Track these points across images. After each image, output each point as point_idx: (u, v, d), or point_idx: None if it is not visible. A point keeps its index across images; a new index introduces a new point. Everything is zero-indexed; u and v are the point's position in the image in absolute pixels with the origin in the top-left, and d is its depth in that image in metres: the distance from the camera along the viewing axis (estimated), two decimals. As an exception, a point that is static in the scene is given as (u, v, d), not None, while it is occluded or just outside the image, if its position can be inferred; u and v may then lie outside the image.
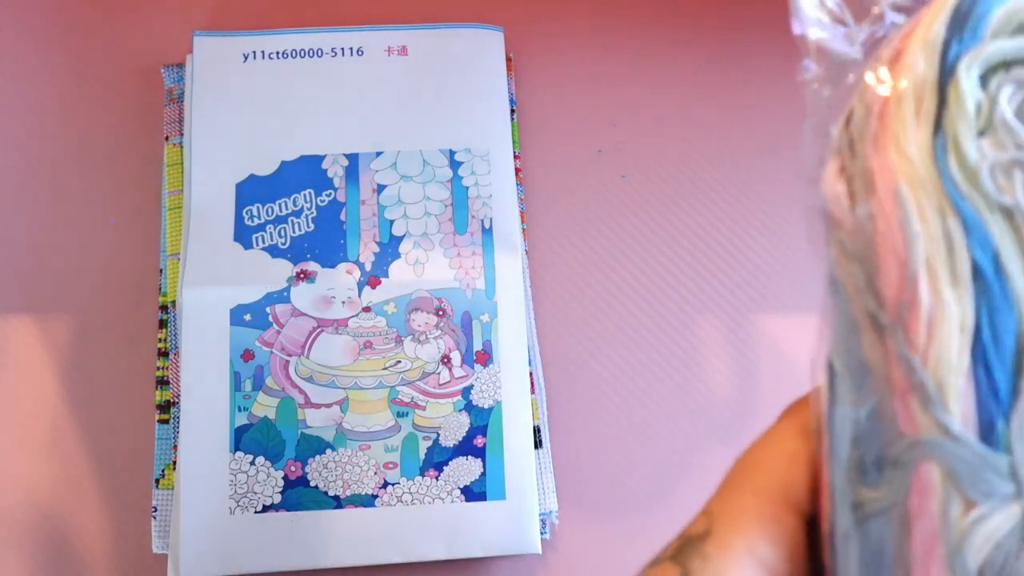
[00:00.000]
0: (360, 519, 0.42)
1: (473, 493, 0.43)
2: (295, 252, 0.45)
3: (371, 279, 0.45)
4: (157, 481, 0.43)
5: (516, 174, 0.47)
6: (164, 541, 0.42)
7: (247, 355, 0.44)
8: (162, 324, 0.45)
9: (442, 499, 0.42)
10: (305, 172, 0.46)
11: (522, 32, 0.51)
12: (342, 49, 0.48)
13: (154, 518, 0.43)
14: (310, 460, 0.43)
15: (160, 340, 0.45)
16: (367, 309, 0.45)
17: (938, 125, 0.19)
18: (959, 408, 0.18)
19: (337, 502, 0.42)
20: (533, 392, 0.45)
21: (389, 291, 0.45)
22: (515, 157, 0.48)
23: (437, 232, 0.46)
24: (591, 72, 0.51)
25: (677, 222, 0.49)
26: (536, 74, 0.51)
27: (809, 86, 0.23)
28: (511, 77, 0.49)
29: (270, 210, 0.46)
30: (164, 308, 0.45)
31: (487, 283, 0.45)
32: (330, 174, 0.46)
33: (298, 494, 0.42)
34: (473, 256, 0.45)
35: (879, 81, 0.20)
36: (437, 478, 0.43)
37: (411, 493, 0.43)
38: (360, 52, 0.48)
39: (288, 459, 0.43)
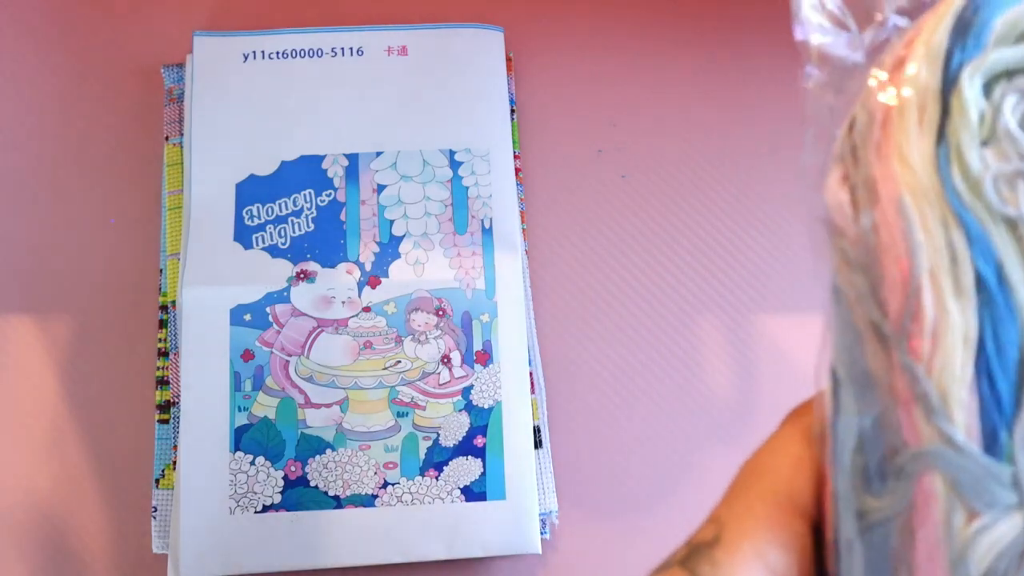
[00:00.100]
0: (360, 519, 0.42)
1: (473, 493, 0.43)
2: (295, 252, 0.45)
3: (371, 279, 0.45)
4: (157, 481, 0.43)
5: (516, 174, 0.47)
6: (164, 541, 0.42)
7: (247, 355, 0.44)
8: (162, 324, 0.45)
9: (442, 499, 0.42)
10: (305, 172, 0.46)
11: (522, 32, 0.51)
12: (342, 49, 0.48)
13: (154, 518, 0.43)
14: (310, 460, 0.43)
15: (160, 340, 0.45)
16: (367, 309, 0.45)
17: (941, 134, 0.19)
18: (962, 419, 0.18)
19: (337, 502, 0.42)
20: (533, 392, 0.45)
21: (389, 291, 0.45)
22: (515, 157, 0.48)
23: (437, 232, 0.46)
24: (591, 72, 0.51)
25: (677, 222, 0.49)
26: (536, 74, 0.51)
27: (811, 92, 0.23)
28: (511, 77, 0.49)
29: (270, 210, 0.46)
30: (164, 308, 0.45)
31: (487, 283, 0.45)
32: (330, 174, 0.46)
33: (298, 494, 0.42)
34: (473, 256, 0.45)
35: (882, 89, 0.20)
36: (437, 478, 0.43)
37: (411, 493, 0.43)
38: (360, 52, 0.48)
39: (288, 459, 0.43)
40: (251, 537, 0.42)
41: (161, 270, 0.46)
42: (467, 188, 0.46)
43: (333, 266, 0.45)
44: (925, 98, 0.20)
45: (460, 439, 0.43)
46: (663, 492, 0.45)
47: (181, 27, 0.50)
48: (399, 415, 0.43)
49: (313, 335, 0.44)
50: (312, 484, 0.42)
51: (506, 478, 0.43)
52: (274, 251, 0.45)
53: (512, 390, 0.44)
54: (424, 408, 0.44)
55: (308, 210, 0.46)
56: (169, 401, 0.44)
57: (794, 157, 0.50)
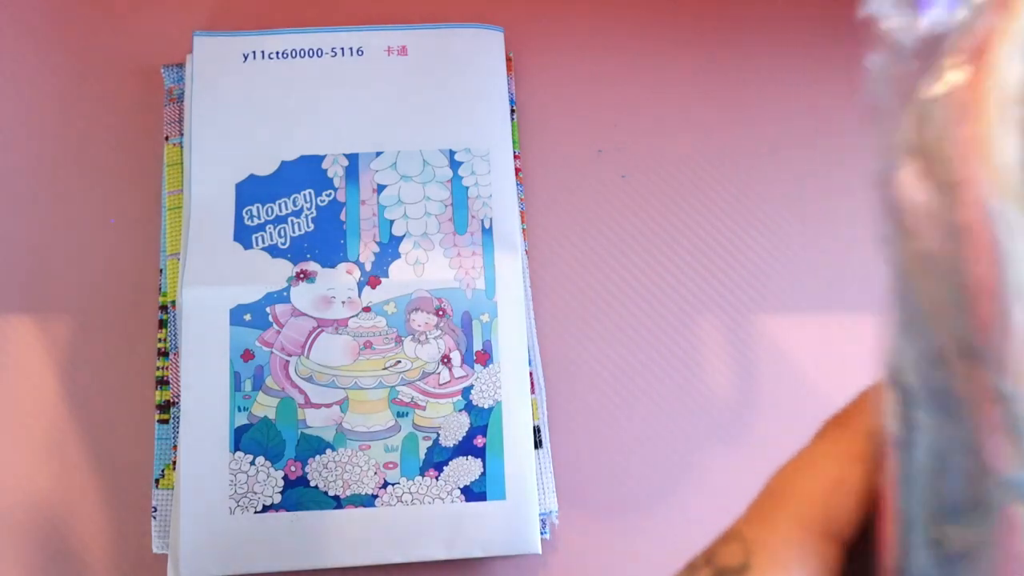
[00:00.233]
0: (360, 519, 0.42)
1: (473, 493, 0.43)
2: (295, 252, 0.45)
3: (371, 279, 0.45)
4: (157, 481, 0.43)
5: (516, 174, 0.47)
6: (164, 541, 0.42)
7: (247, 355, 0.44)
8: (162, 324, 0.45)
9: (442, 499, 0.42)
10: (305, 172, 0.46)
11: (522, 32, 0.51)
12: (342, 49, 0.48)
13: (154, 518, 0.43)
14: (310, 460, 0.43)
15: (160, 340, 0.45)
16: (367, 309, 0.45)
17: None
18: None
19: (337, 502, 0.42)
20: (533, 392, 0.45)
21: (389, 291, 0.45)
22: (515, 157, 0.48)
23: (437, 232, 0.46)
24: (591, 72, 0.51)
25: (677, 222, 0.49)
26: (536, 74, 0.51)
27: (876, 77, 0.20)
28: (511, 77, 0.49)
29: (270, 210, 0.46)
30: (164, 308, 0.45)
31: (487, 283, 0.45)
32: (330, 174, 0.46)
33: (298, 494, 0.42)
34: (473, 256, 0.45)
35: (963, 78, 0.18)
36: (437, 478, 0.43)
37: (411, 493, 0.43)
38: (360, 52, 0.48)
39: (288, 459, 0.43)
40: (251, 537, 0.42)
41: (161, 270, 0.46)
42: (467, 188, 0.46)
43: (333, 266, 0.45)
44: (1015, 90, 0.17)
45: (460, 439, 0.43)
46: (663, 492, 0.45)
47: (181, 27, 0.50)
48: (399, 415, 0.43)
49: (313, 335, 0.44)
50: (312, 484, 0.42)
51: (506, 478, 0.43)
52: (274, 251, 0.45)
53: (512, 390, 0.44)
54: (424, 408, 0.44)
55: (308, 210, 0.46)
56: (169, 401, 0.44)
57: (794, 157, 0.50)
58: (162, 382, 0.44)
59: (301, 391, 0.43)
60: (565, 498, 0.45)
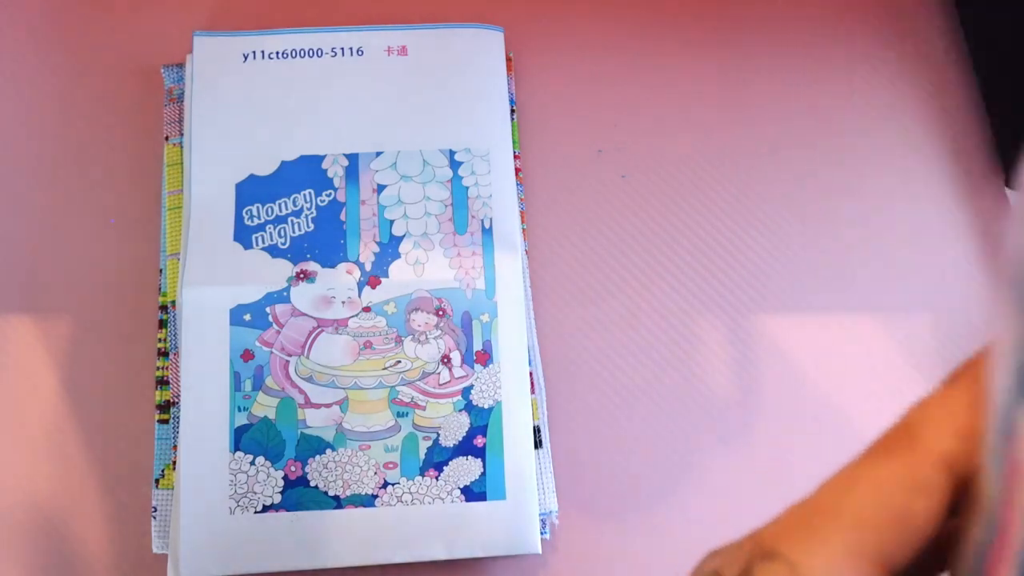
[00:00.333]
0: (360, 519, 0.42)
1: (473, 493, 0.43)
2: (295, 252, 0.45)
3: (371, 279, 0.45)
4: (157, 481, 0.43)
5: (516, 174, 0.47)
6: (164, 541, 0.42)
7: (247, 355, 0.44)
8: (162, 324, 0.45)
9: (442, 499, 0.42)
10: (305, 172, 0.46)
11: (522, 32, 0.51)
12: (342, 49, 0.48)
13: (154, 518, 0.43)
14: (310, 460, 0.43)
15: (160, 340, 0.45)
16: (367, 309, 0.45)
17: None
18: None
19: (337, 502, 0.42)
20: (533, 392, 0.45)
21: (389, 291, 0.45)
22: (515, 157, 0.48)
23: (437, 232, 0.46)
24: (591, 72, 0.51)
25: (677, 222, 0.49)
26: (536, 74, 0.51)
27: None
28: (511, 77, 0.49)
29: (270, 210, 0.46)
30: (164, 308, 0.45)
31: (487, 283, 0.45)
32: (330, 174, 0.46)
33: (298, 494, 0.42)
34: (473, 256, 0.45)
35: None
36: (437, 478, 0.43)
37: (411, 493, 0.43)
38: (360, 52, 0.48)
39: (288, 459, 0.43)
40: (251, 537, 0.42)
41: (161, 270, 0.46)
42: (467, 188, 0.46)
43: (333, 266, 0.45)
44: None
45: (460, 439, 0.43)
46: (663, 492, 0.45)
47: (181, 27, 0.50)
48: (399, 415, 0.43)
49: (313, 335, 0.44)
50: (312, 484, 0.42)
51: (506, 478, 0.43)
52: (274, 251, 0.45)
53: (512, 390, 0.44)
54: (424, 408, 0.44)
55: (308, 210, 0.46)
56: (169, 401, 0.44)
57: (794, 157, 0.50)
58: (162, 382, 0.44)
59: (301, 391, 0.43)
60: (565, 498, 0.45)
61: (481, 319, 0.45)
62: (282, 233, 0.45)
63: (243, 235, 0.45)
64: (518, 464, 0.43)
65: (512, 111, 0.48)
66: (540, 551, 0.42)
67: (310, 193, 0.46)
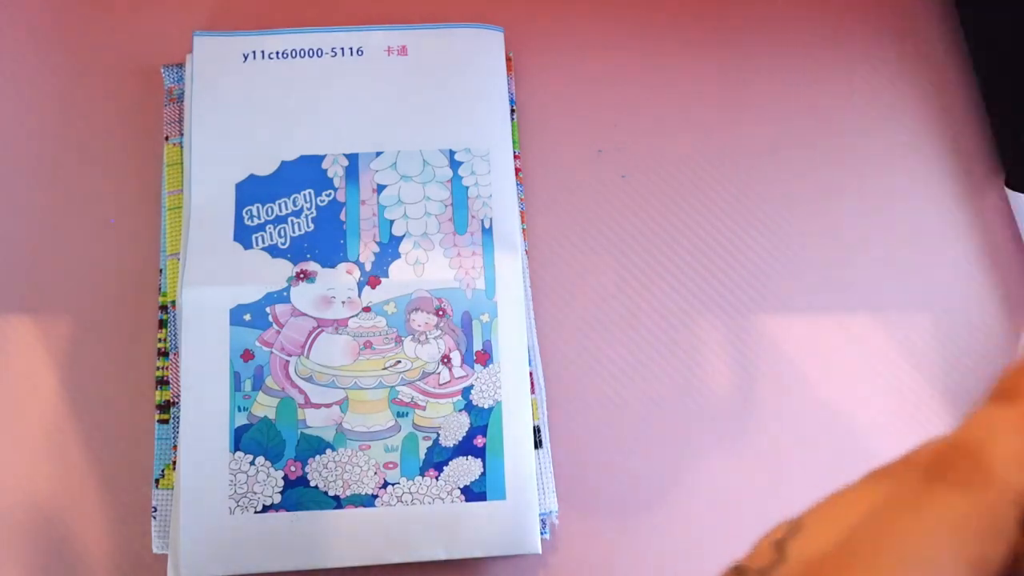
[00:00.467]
0: (360, 519, 0.42)
1: (473, 493, 0.43)
2: (295, 252, 0.45)
3: (371, 279, 0.45)
4: (157, 481, 0.43)
5: (516, 174, 0.47)
6: (164, 541, 0.42)
7: (247, 355, 0.44)
8: (162, 324, 0.45)
9: (442, 499, 0.42)
10: (305, 172, 0.46)
11: (522, 32, 0.51)
12: (342, 49, 0.48)
13: (154, 518, 0.43)
14: (310, 460, 0.43)
15: (160, 340, 0.45)
16: (367, 309, 0.45)
17: None
18: None
19: (337, 502, 0.42)
20: (533, 392, 0.45)
21: (389, 291, 0.45)
22: (515, 157, 0.48)
23: (437, 232, 0.46)
24: (591, 72, 0.51)
25: (677, 222, 0.49)
26: (536, 74, 0.51)
27: None
28: (511, 77, 0.49)
29: (270, 210, 0.46)
30: (164, 308, 0.45)
31: (487, 283, 0.45)
32: (330, 174, 0.46)
33: (298, 494, 0.42)
34: (473, 256, 0.45)
35: None
36: (437, 478, 0.43)
37: (411, 493, 0.43)
38: (360, 52, 0.48)
39: (288, 459, 0.43)
40: (251, 537, 0.42)
41: (161, 270, 0.46)
42: (467, 188, 0.46)
43: (333, 266, 0.45)
44: None
45: (460, 439, 0.43)
46: (663, 492, 0.45)
47: (181, 27, 0.50)
48: (399, 415, 0.43)
49: (313, 335, 0.44)
50: (312, 484, 0.42)
51: (506, 478, 0.43)
52: (274, 251, 0.45)
53: (512, 390, 0.44)
54: (424, 408, 0.44)
55: (308, 210, 0.46)
56: (169, 401, 0.44)
57: (794, 157, 0.50)
58: (162, 382, 0.44)
59: (301, 391, 0.43)
60: (565, 498, 0.45)
61: (481, 319, 0.45)
62: (282, 233, 0.45)
63: (243, 235, 0.45)
64: (518, 464, 0.43)
65: (512, 111, 0.48)
66: (540, 551, 0.42)
67: (310, 193, 0.46)
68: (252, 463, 0.42)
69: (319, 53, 0.48)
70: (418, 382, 0.44)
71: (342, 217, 0.46)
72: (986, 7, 0.51)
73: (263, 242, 0.45)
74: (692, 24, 0.52)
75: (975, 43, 0.51)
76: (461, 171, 0.47)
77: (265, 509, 0.42)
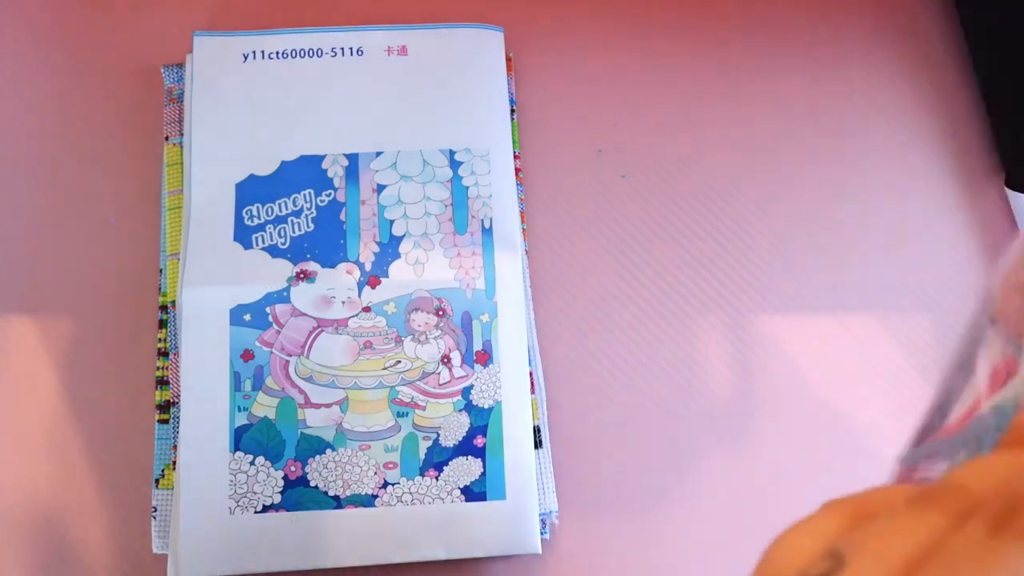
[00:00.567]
0: (360, 519, 0.42)
1: (473, 493, 0.43)
2: (295, 252, 0.45)
3: (371, 279, 0.45)
4: (157, 481, 0.43)
5: (516, 174, 0.47)
6: (164, 541, 0.42)
7: (247, 355, 0.44)
8: (162, 324, 0.45)
9: (442, 499, 0.42)
10: (305, 172, 0.46)
11: (522, 32, 0.51)
12: (342, 49, 0.48)
13: (154, 518, 0.43)
14: (310, 460, 0.43)
15: (160, 340, 0.45)
16: (367, 309, 0.45)
17: None
18: None
19: (337, 502, 0.42)
20: (533, 392, 0.45)
21: (389, 291, 0.45)
22: (515, 157, 0.48)
23: (437, 232, 0.46)
24: (591, 72, 0.51)
25: (677, 222, 0.49)
26: (536, 74, 0.51)
27: None
28: (511, 77, 0.49)
29: (270, 210, 0.46)
30: (164, 308, 0.45)
31: (487, 283, 0.45)
32: (330, 174, 0.46)
33: (298, 494, 0.42)
34: (473, 256, 0.45)
35: None
36: (437, 478, 0.43)
37: (411, 493, 0.43)
38: (360, 52, 0.48)
39: (288, 459, 0.43)
40: (251, 537, 0.42)
41: (161, 270, 0.46)
42: (467, 188, 0.46)
43: (333, 266, 0.45)
44: None
45: (460, 439, 0.43)
46: (663, 492, 0.45)
47: (181, 27, 0.50)
48: (399, 415, 0.43)
49: (313, 335, 0.44)
50: (312, 484, 0.42)
51: (506, 478, 0.43)
52: (274, 251, 0.45)
53: (512, 390, 0.44)
54: (424, 408, 0.44)
55: (308, 210, 0.46)
56: (169, 401, 0.44)
57: (794, 157, 0.50)
58: (162, 382, 0.44)
59: (301, 391, 0.43)
60: (565, 498, 0.45)
61: (481, 319, 0.45)
62: (282, 233, 0.45)
63: (243, 235, 0.45)
64: (518, 464, 0.43)
65: (512, 111, 0.48)
66: (540, 551, 0.42)
67: (310, 193, 0.46)
68: (252, 463, 0.42)
69: (319, 53, 0.48)
70: (418, 382, 0.44)
71: (342, 217, 0.46)
72: (986, 7, 0.51)
73: (263, 242, 0.45)
74: (692, 24, 0.52)
75: (975, 43, 0.51)
76: (461, 171, 0.47)
77: (265, 509, 0.42)
